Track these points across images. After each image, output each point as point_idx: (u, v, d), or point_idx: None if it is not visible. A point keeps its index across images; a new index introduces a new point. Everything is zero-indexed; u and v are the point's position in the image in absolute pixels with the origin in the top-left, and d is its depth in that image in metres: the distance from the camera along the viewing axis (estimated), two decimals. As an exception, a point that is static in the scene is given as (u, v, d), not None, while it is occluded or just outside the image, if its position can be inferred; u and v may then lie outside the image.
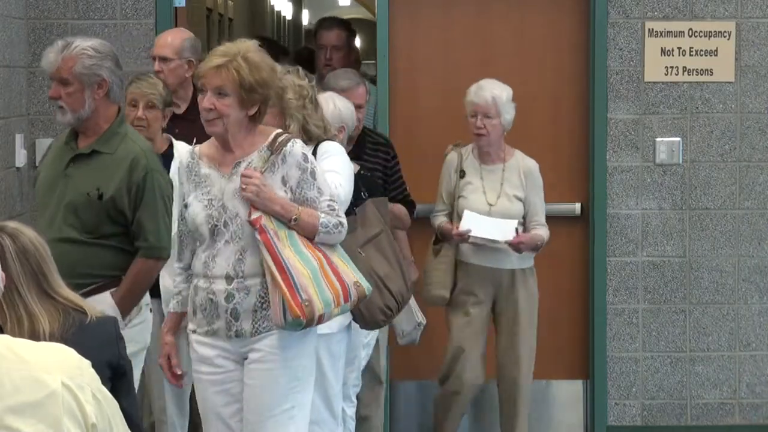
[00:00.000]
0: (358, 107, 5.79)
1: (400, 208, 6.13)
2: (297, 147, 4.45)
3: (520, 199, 6.17)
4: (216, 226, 4.44)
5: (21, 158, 6.54)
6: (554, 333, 6.74)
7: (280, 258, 4.32)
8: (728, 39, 6.83)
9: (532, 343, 6.25)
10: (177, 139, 5.81)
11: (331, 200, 4.48)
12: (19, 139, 6.53)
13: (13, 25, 6.47)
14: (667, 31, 6.82)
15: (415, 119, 6.89)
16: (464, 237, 6.07)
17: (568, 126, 6.76)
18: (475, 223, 6.08)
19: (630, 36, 6.81)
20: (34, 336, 3.47)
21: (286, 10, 22.73)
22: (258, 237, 4.35)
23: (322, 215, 4.43)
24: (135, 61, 6.71)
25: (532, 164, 6.22)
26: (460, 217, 6.13)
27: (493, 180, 6.19)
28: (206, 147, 4.59)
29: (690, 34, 6.83)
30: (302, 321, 4.30)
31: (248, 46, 4.46)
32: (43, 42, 6.71)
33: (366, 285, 4.50)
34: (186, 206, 4.53)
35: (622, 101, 6.81)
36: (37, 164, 6.72)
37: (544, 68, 6.68)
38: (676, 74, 6.81)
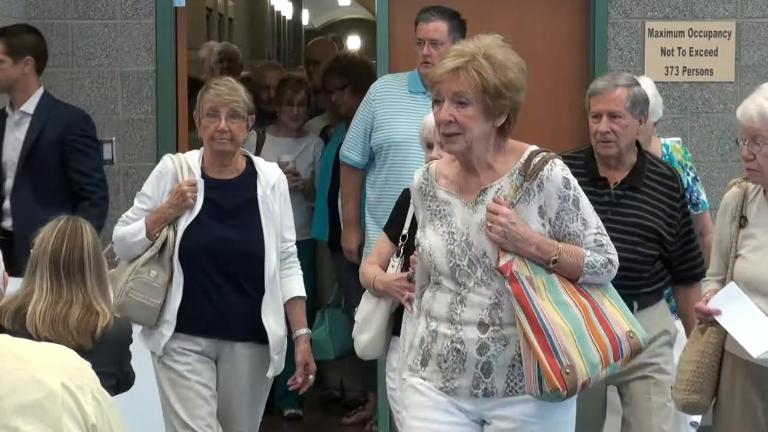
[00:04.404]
0: (612, 116, 4.67)
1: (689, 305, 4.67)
2: (557, 170, 3.64)
3: None
4: (458, 265, 3.65)
5: (21, 158, 6.52)
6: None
7: (536, 314, 3.54)
8: (728, 39, 6.83)
9: None
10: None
11: (598, 233, 3.68)
12: (19, 139, 6.52)
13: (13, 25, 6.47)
14: (667, 31, 6.82)
15: (415, 119, 6.88)
16: (707, 317, 4.22)
17: (568, 126, 6.75)
18: (732, 305, 4.17)
19: (630, 36, 6.81)
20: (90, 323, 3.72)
21: (286, 10, 22.75)
22: (508, 287, 3.57)
23: (588, 252, 3.65)
24: (135, 61, 6.71)
25: None
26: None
27: None
28: (445, 164, 3.79)
29: (690, 34, 6.83)
30: (562, 394, 3.53)
31: (489, 41, 3.66)
32: (43, 42, 6.71)
33: (642, 334, 3.66)
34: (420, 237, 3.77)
35: (622, 101, 6.81)
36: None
37: (544, 68, 6.66)
38: (676, 74, 6.81)
